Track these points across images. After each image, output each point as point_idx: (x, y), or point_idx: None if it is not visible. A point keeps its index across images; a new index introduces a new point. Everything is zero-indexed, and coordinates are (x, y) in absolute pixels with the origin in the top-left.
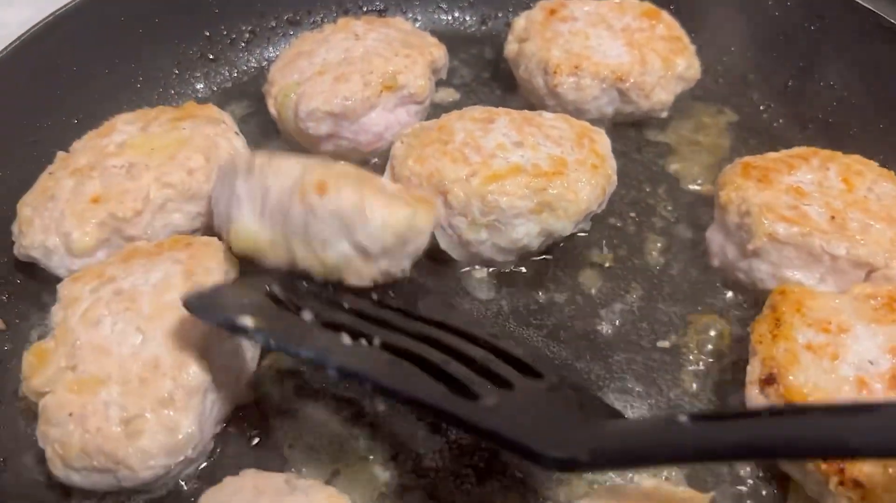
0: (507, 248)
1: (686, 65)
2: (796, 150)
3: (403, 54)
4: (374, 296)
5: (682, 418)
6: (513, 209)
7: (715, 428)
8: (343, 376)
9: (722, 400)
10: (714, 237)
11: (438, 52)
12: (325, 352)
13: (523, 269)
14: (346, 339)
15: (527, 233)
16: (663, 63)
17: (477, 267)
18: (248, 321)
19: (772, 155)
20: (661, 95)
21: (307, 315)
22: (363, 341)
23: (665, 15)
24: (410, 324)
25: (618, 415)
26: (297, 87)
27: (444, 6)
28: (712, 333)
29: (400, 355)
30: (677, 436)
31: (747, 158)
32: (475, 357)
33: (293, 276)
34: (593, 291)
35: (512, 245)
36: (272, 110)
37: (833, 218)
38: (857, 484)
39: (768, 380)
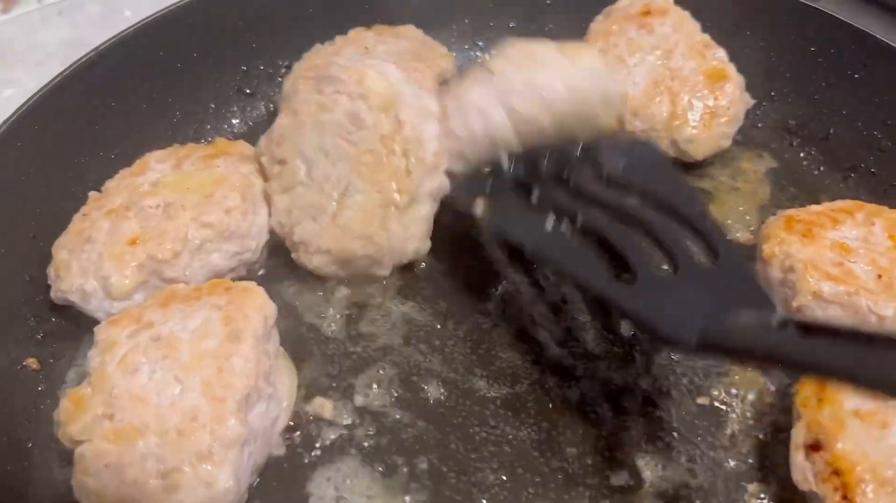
0: None
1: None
2: (840, 203)
3: (412, 68)
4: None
5: (791, 331)
6: None
7: (824, 346)
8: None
9: (763, 460)
10: None
11: (447, 63)
12: (527, 237)
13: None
14: (549, 223)
15: None
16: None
17: None
18: (478, 208)
19: (815, 208)
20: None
21: (536, 193)
22: (565, 223)
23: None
24: (616, 197)
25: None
26: None
27: None
28: (752, 395)
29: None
30: (785, 346)
31: (791, 211)
32: (659, 234)
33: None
34: (631, 343)
35: None
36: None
37: (880, 276)
38: None
39: (815, 447)
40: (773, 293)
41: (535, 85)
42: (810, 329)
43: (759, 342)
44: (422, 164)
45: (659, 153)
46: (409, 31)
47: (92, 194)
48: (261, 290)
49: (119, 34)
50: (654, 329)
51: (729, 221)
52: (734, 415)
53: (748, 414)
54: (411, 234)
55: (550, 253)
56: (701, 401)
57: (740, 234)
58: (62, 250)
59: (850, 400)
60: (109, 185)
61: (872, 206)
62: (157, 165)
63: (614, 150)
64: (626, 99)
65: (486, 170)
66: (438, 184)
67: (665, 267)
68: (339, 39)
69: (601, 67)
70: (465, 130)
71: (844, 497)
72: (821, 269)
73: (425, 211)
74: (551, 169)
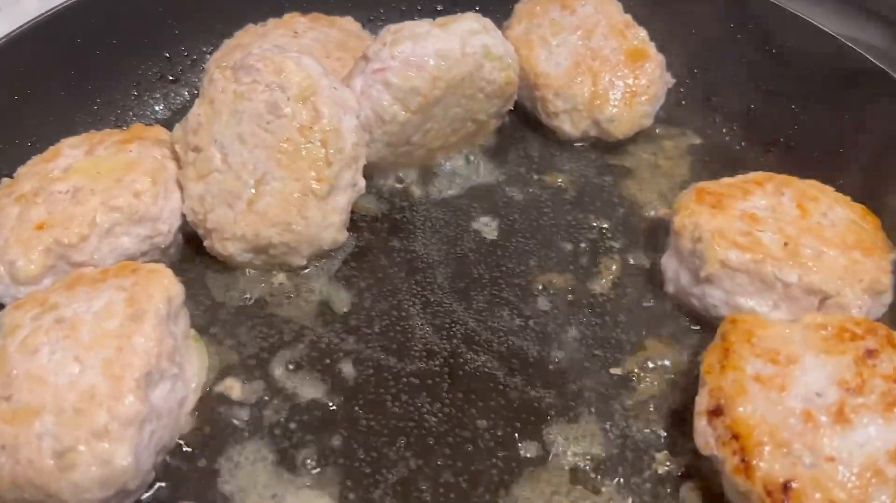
0: None
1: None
2: (752, 174)
3: (335, 57)
4: None
5: None
6: None
7: None
8: None
9: (675, 428)
10: (669, 263)
11: None
12: None
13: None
14: None
15: None
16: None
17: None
18: None
19: (727, 180)
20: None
21: None
22: None
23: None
24: None
25: None
26: None
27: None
28: (667, 361)
29: None
30: None
31: (702, 183)
32: None
33: None
34: (546, 317)
35: None
36: None
37: (786, 244)
38: None
39: (716, 412)
40: (685, 265)
41: (406, 57)
42: None
43: None
44: (340, 154)
45: None
46: (346, 22)
47: (3, 181)
48: (168, 271)
49: (34, 19)
50: None
51: (649, 198)
52: (645, 386)
53: (659, 383)
54: (329, 223)
55: None
56: (614, 371)
57: (659, 211)
58: None
59: (751, 365)
60: (21, 171)
61: (782, 177)
62: (69, 151)
63: None
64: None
65: None
66: (356, 175)
67: None
68: (271, 21)
69: (478, 28)
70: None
71: (742, 460)
72: (728, 238)
73: (343, 201)
74: None
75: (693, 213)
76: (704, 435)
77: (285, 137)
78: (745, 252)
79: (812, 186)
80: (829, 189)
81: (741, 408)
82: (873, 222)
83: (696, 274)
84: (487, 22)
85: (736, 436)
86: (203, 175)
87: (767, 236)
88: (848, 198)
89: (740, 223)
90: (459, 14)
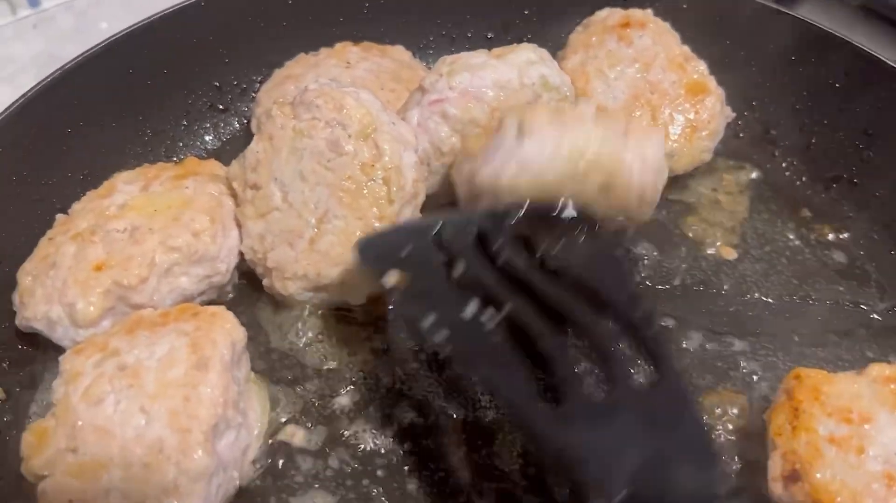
0: None
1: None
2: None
3: (389, 88)
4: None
5: None
6: None
7: None
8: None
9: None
10: None
11: None
12: (439, 322)
13: None
14: (470, 309)
15: None
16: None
17: None
18: (390, 279)
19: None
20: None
21: (459, 267)
22: (489, 311)
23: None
24: (550, 287)
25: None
26: None
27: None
28: (735, 411)
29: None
30: None
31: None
32: (596, 341)
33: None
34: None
35: None
36: (254, 131)
37: None
38: None
39: (792, 477)
40: None
41: (465, 88)
42: None
43: None
44: (402, 191)
45: (603, 237)
46: (397, 51)
47: (59, 217)
48: (230, 315)
49: (87, 51)
50: (578, 471)
51: (710, 235)
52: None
53: (726, 435)
54: None
55: (466, 348)
56: None
57: (720, 247)
58: (27, 276)
59: (824, 426)
60: (76, 207)
61: None
62: (124, 187)
63: (552, 227)
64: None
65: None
66: (415, 211)
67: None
68: (322, 51)
69: (535, 58)
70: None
71: None
72: None
73: None
74: (482, 240)
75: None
76: (783, 502)
77: (347, 175)
78: None
79: None
80: None
81: (819, 474)
82: None
83: None
84: (544, 52)
85: None
86: (263, 213)
87: None
88: None
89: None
90: (516, 45)
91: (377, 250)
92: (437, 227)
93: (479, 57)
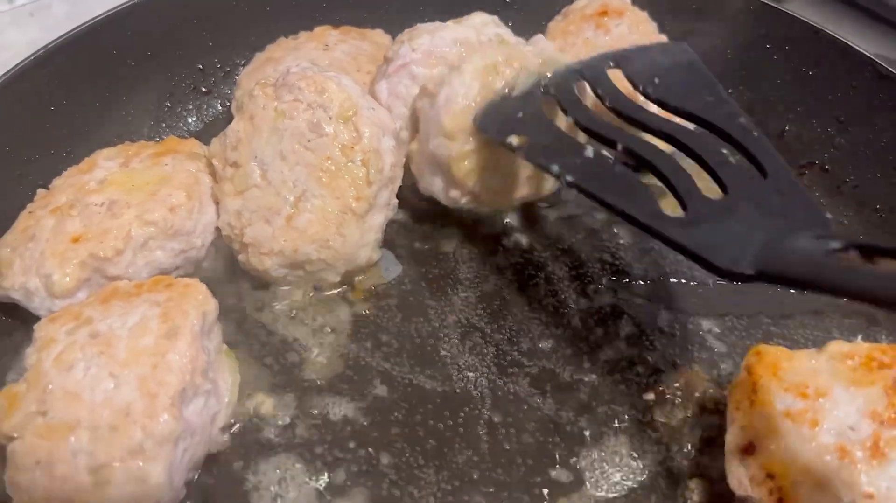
0: None
1: None
2: None
3: (366, 70)
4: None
5: (854, 255)
6: None
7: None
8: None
9: (705, 456)
10: None
11: None
12: (565, 168)
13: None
14: (588, 152)
15: None
16: None
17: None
18: (513, 140)
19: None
20: None
21: (568, 118)
22: (605, 151)
23: None
24: (653, 116)
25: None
26: None
27: None
28: (699, 390)
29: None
30: (847, 273)
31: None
32: (705, 154)
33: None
34: (581, 340)
35: None
36: (234, 113)
37: None
38: None
39: (748, 450)
40: None
41: (427, 48)
42: (872, 254)
43: (820, 269)
44: (380, 174)
45: (694, 60)
46: (377, 35)
47: (39, 192)
48: (202, 286)
49: (72, 30)
50: (709, 262)
51: None
52: (678, 411)
53: (692, 409)
54: (366, 242)
55: (593, 184)
56: (647, 396)
57: None
58: (5, 248)
59: (780, 400)
60: (56, 182)
61: None
62: (105, 163)
63: (646, 60)
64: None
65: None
66: (391, 195)
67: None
68: (302, 35)
69: (489, 20)
70: (398, 121)
71: (779, 500)
72: None
73: (380, 220)
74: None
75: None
76: (738, 474)
77: (326, 156)
78: None
79: None
80: None
81: (774, 446)
82: None
83: None
84: (496, 18)
85: (771, 476)
86: (241, 190)
87: None
88: None
89: None
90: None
91: (495, 120)
92: (542, 87)
93: (434, 23)
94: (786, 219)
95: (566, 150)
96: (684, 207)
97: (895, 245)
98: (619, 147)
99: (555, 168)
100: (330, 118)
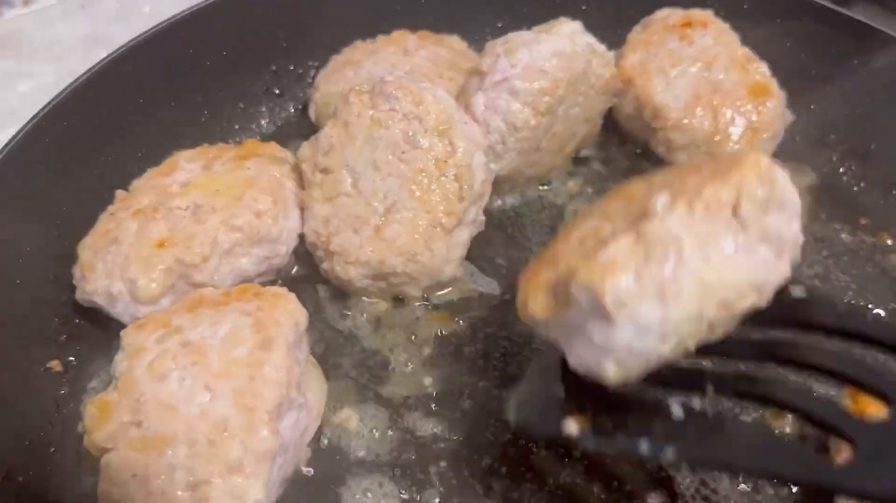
0: None
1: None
2: None
3: (448, 76)
4: None
5: None
6: None
7: None
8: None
9: None
10: None
11: None
12: (657, 448)
13: None
14: (676, 411)
15: None
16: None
17: None
18: (572, 427)
19: None
20: None
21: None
22: (695, 400)
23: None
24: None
25: None
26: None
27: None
28: None
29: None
30: None
31: None
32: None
33: None
34: None
35: None
36: (311, 115)
37: None
38: None
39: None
40: None
41: (526, 63)
42: None
43: None
44: (472, 190)
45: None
46: (454, 41)
47: (119, 193)
48: (292, 296)
49: (148, 31)
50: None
51: None
52: None
53: None
54: (452, 258)
55: (704, 450)
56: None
57: None
58: (87, 250)
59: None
60: (137, 184)
61: None
62: (186, 165)
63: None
64: (644, 94)
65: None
66: (479, 211)
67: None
68: (380, 38)
69: (577, 28)
70: (494, 135)
71: None
72: None
73: (466, 236)
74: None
75: None
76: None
77: (420, 168)
78: None
79: None
80: None
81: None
82: None
83: None
84: (580, 24)
85: None
86: (330, 197)
87: None
88: None
89: None
90: (552, 21)
91: (534, 415)
92: None
93: (527, 34)
94: None
95: (642, 419)
96: (852, 443)
97: None
98: (709, 391)
99: (643, 447)
100: (425, 130)
